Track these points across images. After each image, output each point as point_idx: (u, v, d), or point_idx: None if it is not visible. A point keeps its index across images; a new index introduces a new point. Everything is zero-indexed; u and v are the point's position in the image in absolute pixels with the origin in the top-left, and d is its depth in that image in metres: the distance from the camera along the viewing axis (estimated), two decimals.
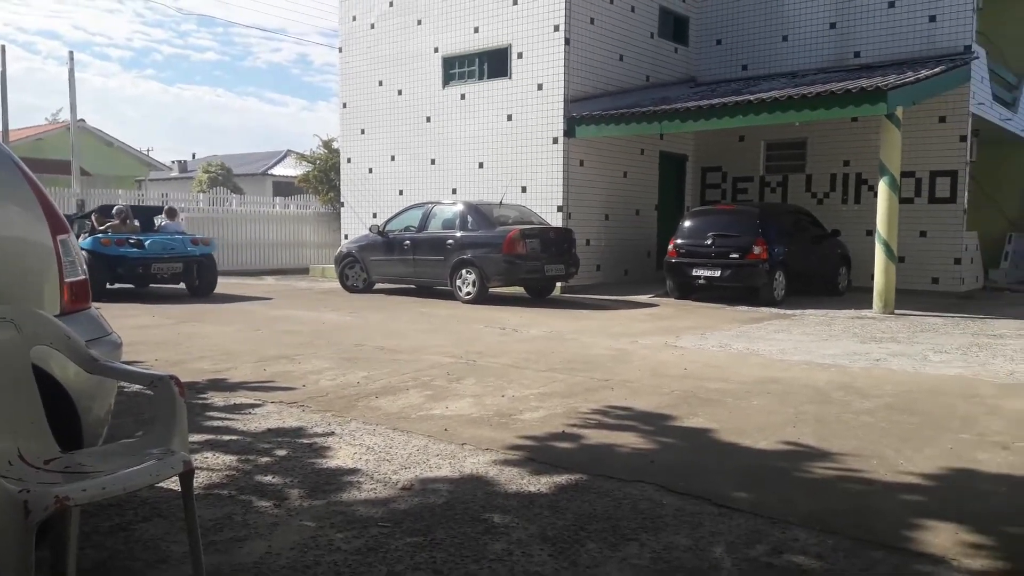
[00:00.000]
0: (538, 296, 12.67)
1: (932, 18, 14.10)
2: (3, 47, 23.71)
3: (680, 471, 4.01)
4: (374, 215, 16.48)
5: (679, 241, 12.47)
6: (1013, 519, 3.42)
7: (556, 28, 13.94)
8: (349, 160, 17.61)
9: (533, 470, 3.97)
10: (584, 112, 13.90)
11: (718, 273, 11.96)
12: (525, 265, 11.65)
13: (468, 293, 11.83)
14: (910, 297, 12.62)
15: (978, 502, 3.63)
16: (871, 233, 11.96)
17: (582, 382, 6.17)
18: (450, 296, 12.30)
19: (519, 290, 12.84)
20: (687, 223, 12.76)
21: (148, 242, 12.56)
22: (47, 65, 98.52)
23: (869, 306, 11.35)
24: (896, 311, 11.17)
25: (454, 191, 15.34)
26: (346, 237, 17.00)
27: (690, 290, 12.54)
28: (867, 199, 14.48)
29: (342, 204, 18.07)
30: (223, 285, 14.67)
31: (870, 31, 14.80)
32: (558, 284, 12.99)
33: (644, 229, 15.93)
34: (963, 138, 13.92)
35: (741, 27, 16.43)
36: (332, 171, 21.20)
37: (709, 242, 12.12)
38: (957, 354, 7.78)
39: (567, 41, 13.88)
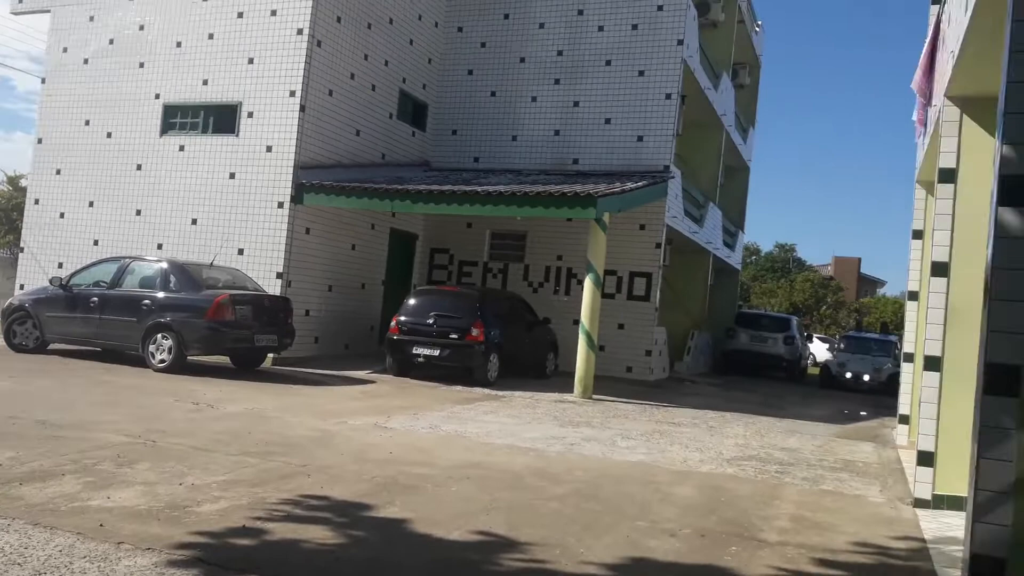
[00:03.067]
0: (246, 367, 11.82)
1: (640, 138, 15.92)
2: None
3: (365, 568, 3.77)
4: (60, 265, 14.52)
5: (402, 318, 12.45)
6: None
7: (292, 93, 13.61)
8: (37, 201, 15.46)
9: (201, 573, 3.50)
10: (315, 180, 13.58)
11: (437, 352, 12.07)
12: (232, 333, 10.82)
13: (162, 361, 10.67)
14: (608, 383, 13.65)
15: None
16: (577, 323, 12.86)
17: (276, 468, 5.70)
18: (142, 363, 11.00)
19: (225, 360, 11.89)
20: (411, 301, 12.82)
21: None
22: None
23: (571, 390, 12.09)
24: (594, 396, 12.01)
25: (160, 247, 14.04)
26: (22, 287, 14.75)
27: (409, 367, 12.50)
28: (576, 291, 15.64)
29: (21, 249, 15.72)
30: None
31: (588, 142, 16.32)
32: (270, 355, 12.25)
33: (369, 303, 15.74)
34: (658, 245, 15.68)
35: (476, 121, 17.29)
36: (15, 211, 18.50)
37: (431, 321, 12.24)
38: (641, 440, 8.44)
39: (303, 108, 13.58)
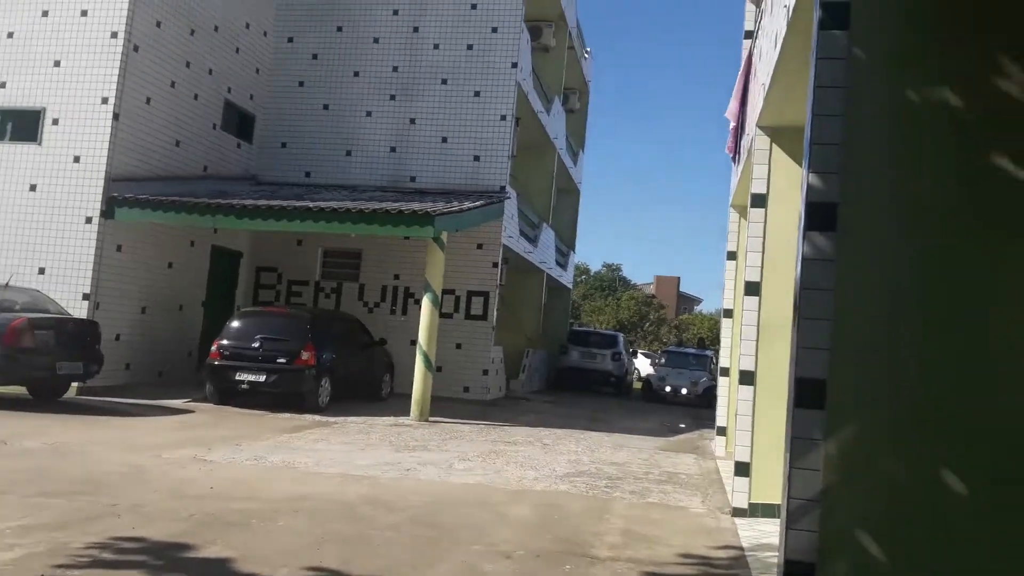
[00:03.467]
0: (46, 398, 10.67)
1: (477, 158, 16.09)
2: None
3: None
4: None
5: (224, 342, 11.75)
6: None
7: (105, 100, 12.59)
8: None
9: None
10: (128, 194, 12.60)
11: (263, 378, 11.46)
12: (30, 361, 9.72)
13: None
14: (445, 404, 13.55)
15: None
16: (415, 343, 12.72)
17: (82, 509, 5.17)
18: None
19: (22, 391, 10.70)
20: (235, 324, 12.15)
21: None
22: None
23: (408, 413, 11.89)
24: (431, 418, 11.89)
25: None
26: None
27: (231, 395, 11.77)
28: (413, 311, 15.48)
29: None
30: None
31: (425, 160, 16.27)
32: (75, 384, 11.15)
33: (187, 327, 14.74)
34: (495, 264, 15.87)
35: (307, 135, 16.76)
36: None
37: (257, 345, 11.64)
38: (478, 461, 8.45)
39: (116, 116, 12.58)
